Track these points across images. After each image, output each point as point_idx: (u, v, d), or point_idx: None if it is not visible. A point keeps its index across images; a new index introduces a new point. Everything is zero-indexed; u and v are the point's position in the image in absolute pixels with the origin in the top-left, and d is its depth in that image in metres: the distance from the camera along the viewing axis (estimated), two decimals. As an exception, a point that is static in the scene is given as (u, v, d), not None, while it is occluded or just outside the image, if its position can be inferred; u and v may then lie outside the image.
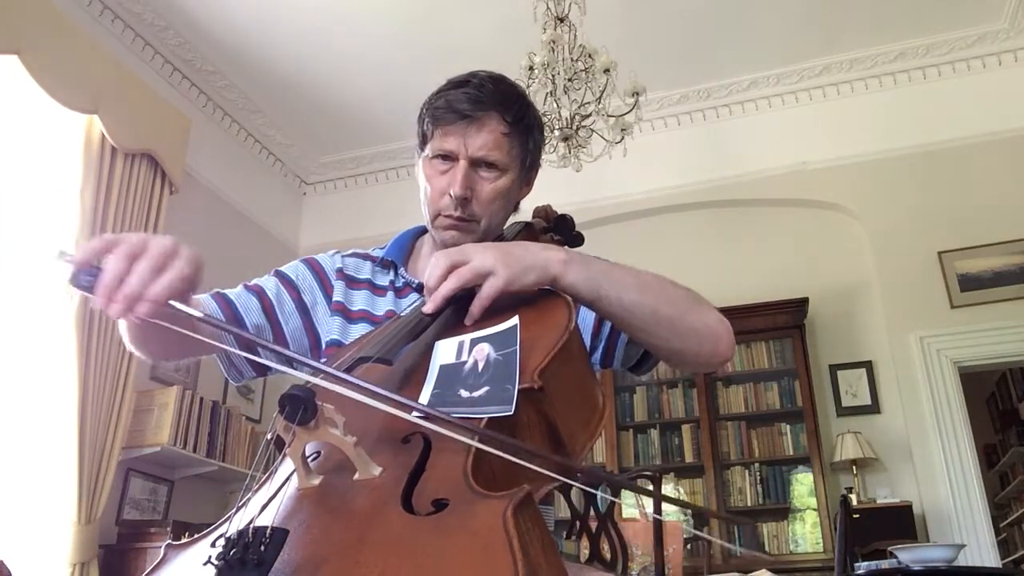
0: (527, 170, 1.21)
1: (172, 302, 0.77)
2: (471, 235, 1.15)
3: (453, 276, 0.93)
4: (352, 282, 1.24)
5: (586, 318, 1.13)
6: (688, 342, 1.02)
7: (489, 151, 1.13)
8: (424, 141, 1.19)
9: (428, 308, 0.95)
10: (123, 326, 1.02)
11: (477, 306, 0.93)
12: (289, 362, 0.89)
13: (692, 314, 1.02)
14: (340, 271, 1.25)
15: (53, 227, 3.75)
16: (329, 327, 1.20)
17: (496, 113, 1.13)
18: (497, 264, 0.93)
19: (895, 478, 4.33)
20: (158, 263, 0.78)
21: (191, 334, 0.82)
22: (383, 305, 1.21)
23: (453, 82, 1.17)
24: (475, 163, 1.13)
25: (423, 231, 1.29)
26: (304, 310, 1.21)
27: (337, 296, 1.22)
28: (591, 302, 0.99)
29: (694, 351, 1.04)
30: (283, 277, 1.23)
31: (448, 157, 1.14)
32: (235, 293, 1.19)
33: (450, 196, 1.13)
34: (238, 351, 1.09)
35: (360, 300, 1.22)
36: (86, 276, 0.77)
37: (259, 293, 1.19)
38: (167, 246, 0.80)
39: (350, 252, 1.30)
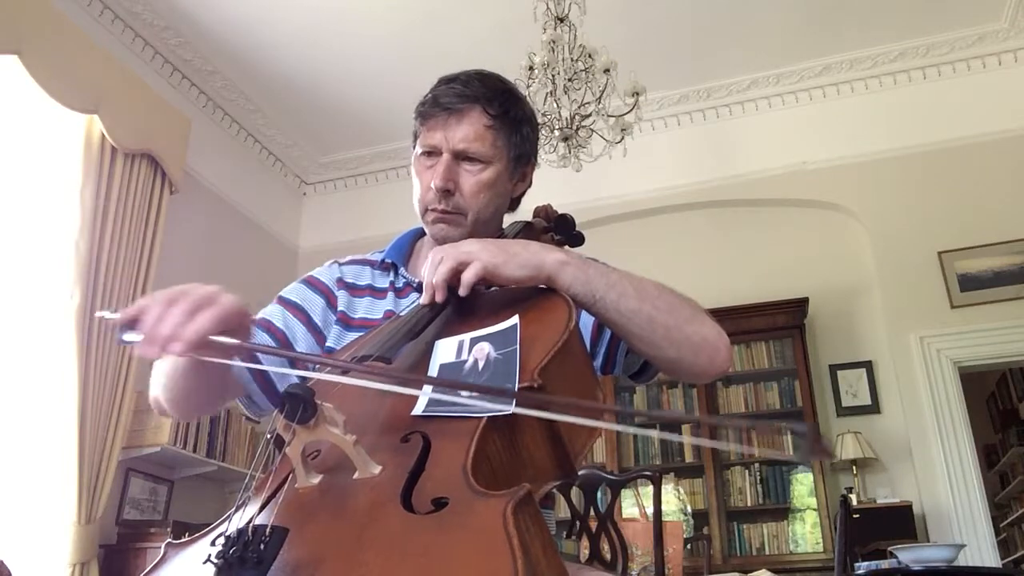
0: (517, 164, 1.20)
1: (212, 337, 0.80)
2: (459, 228, 1.15)
3: (444, 261, 0.95)
4: (354, 289, 1.24)
5: (586, 324, 1.12)
6: (684, 352, 1.02)
7: (470, 143, 1.13)
8: (415, 139, 1.20)
9: (424, 299, 0.96)
10: (161, 383, 1.05)
11: (461, 288, 0.94)
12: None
13: (690, 325, 1.02)
14: (340, 280, 1.24)
15: (53, 227, 3.75)
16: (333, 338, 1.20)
17: (479, 106, 1.14)
18: (483, 252, 0.95)
19: (895, 478, 4.33)
20: (194, 306, 0.80)
21: (240, 364, 0.86)
22: (382, 307, 1.20)
23: (442, 80, 1.18)
24: (458, 156, 1.14)
25: (423, 232, 1.29)
26: (315, 329, 1.19)
27: (341, 306, 1.21)
28: (587, 305, 0.99)
29: (690, 361, 1.03)
30: (287, 303, 1.22)
31: (433, 152, 1.15)
32: None
33: (432, 189, 1.14)
34: (258, 389, 1.14)
35: (362, 308, 1.21)
36: (128, 330, 0.81)
37: (268, 327, 1.18)
38: (206, 291, 0.83)
39: (347, 259, 1.29)
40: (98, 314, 0.84)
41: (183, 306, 0.80)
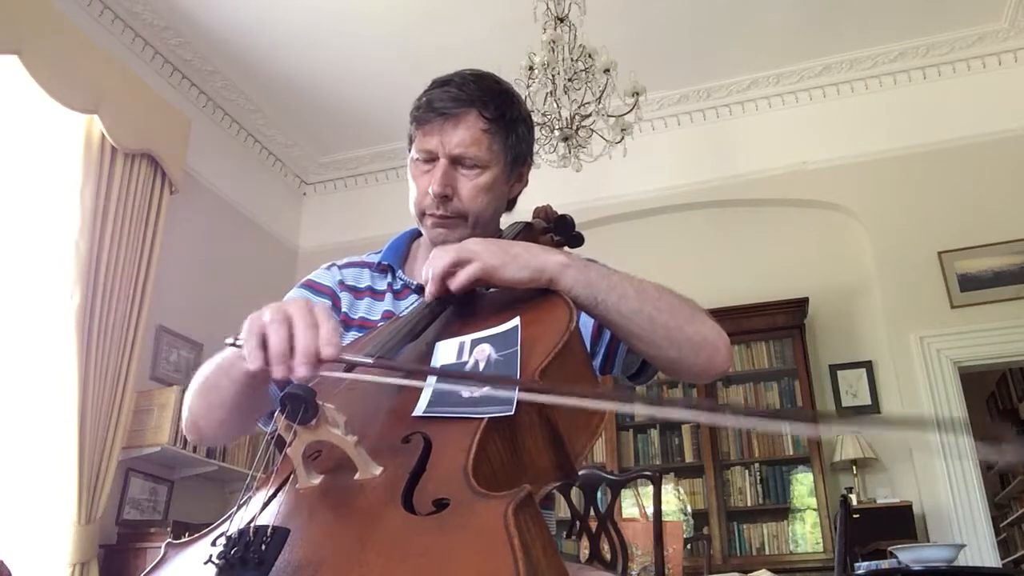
0: (514, 165, 1.20)
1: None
2: (458, 231, 1.15)
3: (444, 255, 0.95)
4: (356, 291, 1.24)
5: (586, 323, 1.12)
6: (684, 353, 1.02)
7: (467, 148, 1.12)
8: (411, 143, 1.19)
9: (428, 295, 0.96)
10: (207, 407, 1.04)
11: (455, 283, 0.94)
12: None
13: (690, 325, 1.02)
14: (342, 283, 1.24)
15: (53, 227, 3.75)
16: None
17: (475, 109, 1.13)
18: (483, 252, 0.95)
19: (895, 478, 4.33)
20: (312, 321, 0.80)
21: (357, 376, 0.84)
22: (380, 308, 1.21)
23: (437, 82, 1.17)
24: (455, 160, 1.13)
25: (419, 233, 1.29)
26: None
27: (344, 308, 1.22)
28: (588, 307, 0.99)
29: (690, 362, 1.04)
30: None
31: (430, 157, 1.15)
32: None
33: (430, 195, 1.13)
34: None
35: (362, 308, 1.22)
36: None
37: None
38: (310, 304, 0.83)
39: (345, 262, 1.29)
40: (227, 340, 0.85)
41: (304, 322, 0.79)
